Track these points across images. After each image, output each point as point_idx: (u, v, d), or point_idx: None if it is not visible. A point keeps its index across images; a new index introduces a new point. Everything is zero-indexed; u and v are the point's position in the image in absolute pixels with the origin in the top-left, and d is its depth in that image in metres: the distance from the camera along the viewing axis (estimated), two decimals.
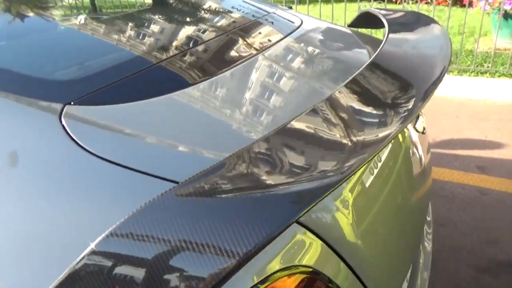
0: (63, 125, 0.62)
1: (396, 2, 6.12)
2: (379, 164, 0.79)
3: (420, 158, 0.94)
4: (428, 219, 1.28)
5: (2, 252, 0.52)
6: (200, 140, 0.63)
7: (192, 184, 0.46)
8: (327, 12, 5.05)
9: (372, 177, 0.76)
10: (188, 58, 0.87)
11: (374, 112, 0.65)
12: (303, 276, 0.61)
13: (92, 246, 0.42)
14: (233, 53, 0.95)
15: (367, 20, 1.39)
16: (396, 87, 0.71)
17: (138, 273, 0.41)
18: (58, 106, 0.65)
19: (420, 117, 1.01)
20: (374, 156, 0.56)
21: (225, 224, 0.42)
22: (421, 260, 1.09)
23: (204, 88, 0.76)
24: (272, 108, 0.76)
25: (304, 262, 0.60)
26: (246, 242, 0.40)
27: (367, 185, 0.74)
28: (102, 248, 0.42)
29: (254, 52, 0.96)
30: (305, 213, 0.44)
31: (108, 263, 0.42)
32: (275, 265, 0.53)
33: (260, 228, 0.41)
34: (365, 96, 0.70)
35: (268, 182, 0.47)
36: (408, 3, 5.08)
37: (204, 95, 0.74)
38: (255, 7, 1.34)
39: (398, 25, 1.17)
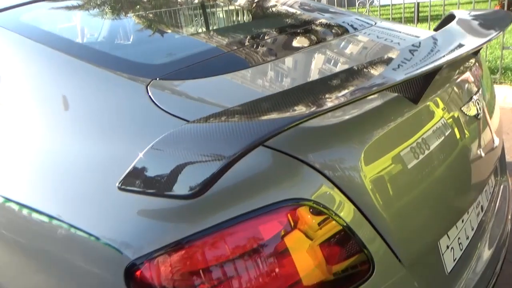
0: (148, 92, 0.87)
1: None
2: (417, 140, 0.87)
3: (465, 138, 0.97)
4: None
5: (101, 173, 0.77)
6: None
7: (198, 121, 0.67)
8: None
9: (409, 152, 0.84)
10: (242, 49, 1.11)
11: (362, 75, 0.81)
12: (339, 227, 0.73)
13: (140, 155, 0.63)
14: (291, 44, 1.13)
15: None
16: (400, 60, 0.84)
17: (163, 168, 0.62)
18: (148, 80, 0.91)
19: (474, 101, 1.03)
20: (343, 105, 0.68)
21: (212, 142, 0.62)
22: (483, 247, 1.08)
23: (247, 72, 0.98)
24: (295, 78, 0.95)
25: (333, 209, 0.72)
26: (227, 151, 0.59)
27: (401, 157, 0.82)
28: (146, 154, 0.63)
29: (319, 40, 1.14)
30: (268, 139, 0.61)
31: (149, 163, 0.63)
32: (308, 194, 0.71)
33: (234, 145, 0.59)
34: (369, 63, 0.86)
35: (248, 119, 0.65)
36: None
37: (243, 77, 0.97)
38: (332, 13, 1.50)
39: (466, 21, 1.20)
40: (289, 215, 0.70)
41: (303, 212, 0.71)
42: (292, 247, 0.70)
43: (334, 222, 0.73)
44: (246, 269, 0.67)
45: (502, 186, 1.37)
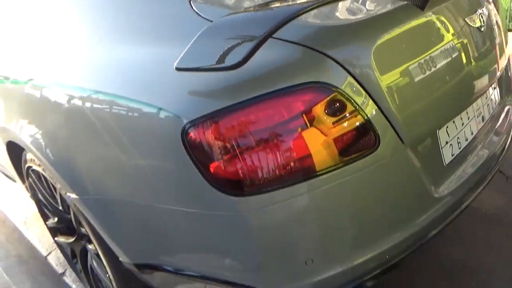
0: (191, 5, 1.03)
1: None
2: (422, 44, 1.00)
3: (466, 45, 1.09)
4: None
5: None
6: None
7: (223, 18, 0.84)
8: None
9: (414, 57, 0.98)
10: None
11: None
12: (361, 119, 0.88)
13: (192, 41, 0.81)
14: None
15: None
16: None
17: (210, 49, 0.80)
18: None
19: (478, 15, 1.14)
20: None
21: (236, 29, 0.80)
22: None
23: None
24: None
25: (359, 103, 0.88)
26: (260, 31, 0.75)
27: (409, 60, 0.97)
28: (196, 41, 0.82)
29: None
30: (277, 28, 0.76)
31: (199, 48, 0.82)
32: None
33: (265, 26, 0.76)
34: None
35: (261, 14, 0.83)
36: None
37: None
38: None
39: None
40: (315, 98, 0.85)
41: (329, 102, 0.86)
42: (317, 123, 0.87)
43: (356, 110, 0.88)
44: (276, 137, 0.84)
45: (506, 108, 1.49)
